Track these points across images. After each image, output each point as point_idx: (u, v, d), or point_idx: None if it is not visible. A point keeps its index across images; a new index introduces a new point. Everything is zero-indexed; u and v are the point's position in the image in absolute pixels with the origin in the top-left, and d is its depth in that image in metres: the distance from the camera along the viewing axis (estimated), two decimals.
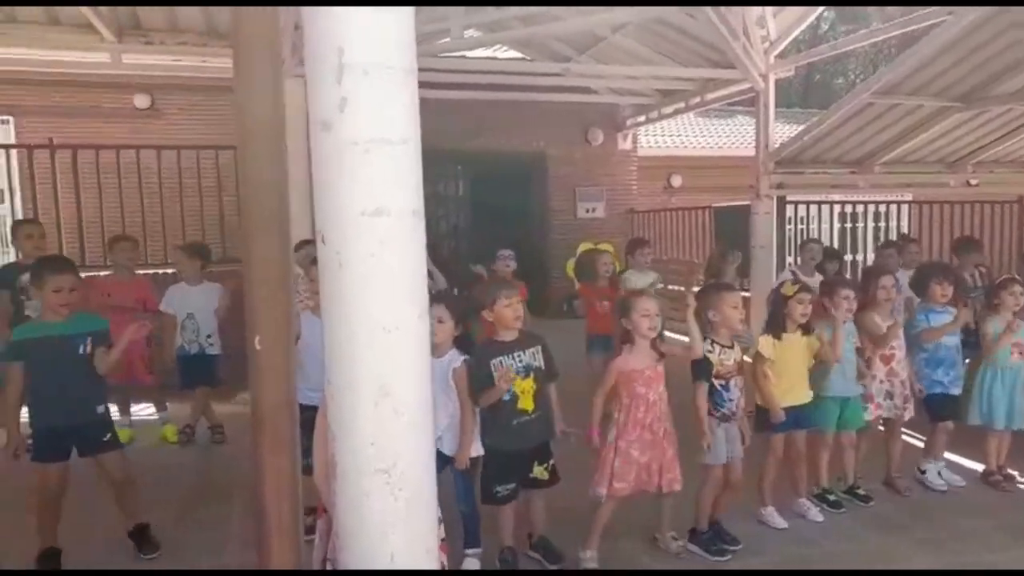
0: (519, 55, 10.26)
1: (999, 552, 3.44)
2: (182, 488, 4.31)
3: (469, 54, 9.57)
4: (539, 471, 3.21)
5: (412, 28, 1.78)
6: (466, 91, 8.86)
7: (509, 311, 3.17)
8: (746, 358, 3.75)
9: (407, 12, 1.75)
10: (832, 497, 3.95)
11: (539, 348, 3.24)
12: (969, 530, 3.67)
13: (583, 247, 8.22)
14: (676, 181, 13.82)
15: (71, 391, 3.27)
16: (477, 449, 3.17)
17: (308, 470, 1.97)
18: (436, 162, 11.16)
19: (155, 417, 5.38)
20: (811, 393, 3.77)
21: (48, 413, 3.25)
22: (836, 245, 9.25)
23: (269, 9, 1.60)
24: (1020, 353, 4.18)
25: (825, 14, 24.04)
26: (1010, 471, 4.29)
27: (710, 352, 3.41)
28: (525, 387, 3.13)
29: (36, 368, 3.25)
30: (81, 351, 3.28)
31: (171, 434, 5.19)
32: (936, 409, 4.20)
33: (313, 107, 1.74)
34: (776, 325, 3.74)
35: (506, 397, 3.09)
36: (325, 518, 2.09)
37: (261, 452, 1.63)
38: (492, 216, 10.89)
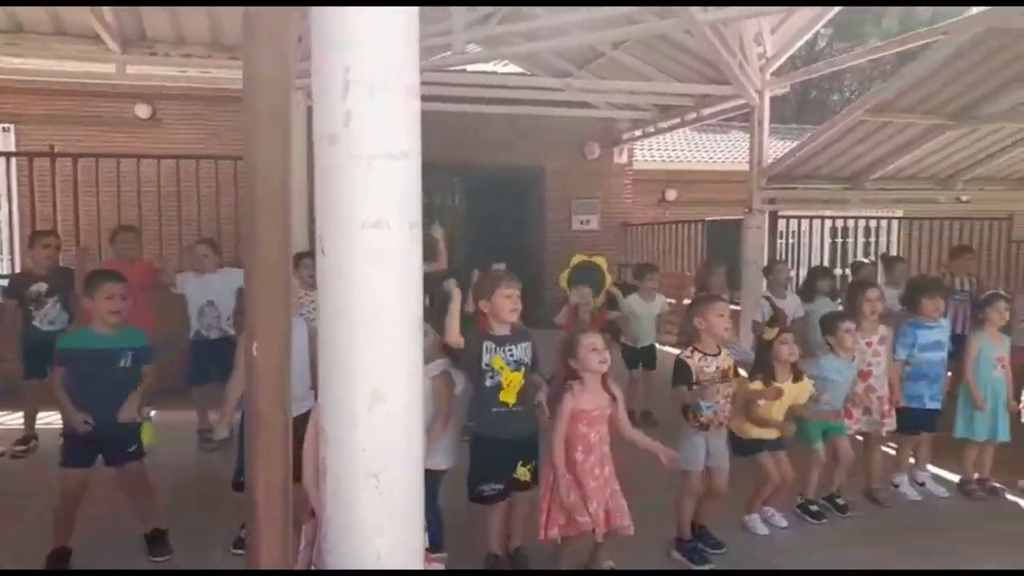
0: (520, 70, 10.37)
1: (980, 562, 3.48)
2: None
3: (470, 68, 9.67)
4: (522, 471, 3.19)
5: (416, 49, 1.84)
6: (466, 104, 8.95)
7: (508, 303, 3.13)
8: (741, 372, 3.80)
9: (413, 34, 1.82)
10: (814, 508, 4.00)
11: (529, 344, 3.24)
12: (948, 542, 3.72)
13: (576, 259, 8.26)
14: (671, 195, 13.94)
15: (106, 402, 3.35)
16: (445, 462, 3.17)
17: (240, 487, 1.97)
18: (433, 173, 11.20)
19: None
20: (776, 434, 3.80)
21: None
22: (827, 259, 9.36)
23: (281, 9, 1.66)
24: (1002, 366, 4.25)
25: (823, 31, 24.30)
26: (993, 483, 4.35)
27: (688, 358, 3.45)
28: (513, 380, 3.14)
29: (77, 376, 3.34)
30: (122, 363, 3.39)
31: (148, 435, 5.09)
32: (910, 422, 4.27)
33: (319, 121, 1.79)
34: (765, 371, 3.73)
35: (489, 383, 3.11)
36: (311, 524, 2.13)
37: (255, 456, 1.68)
38: (488, 227, 10.97)
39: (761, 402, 3.64)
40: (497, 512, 3.23)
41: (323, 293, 1.83)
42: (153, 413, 5.30)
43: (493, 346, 3.14)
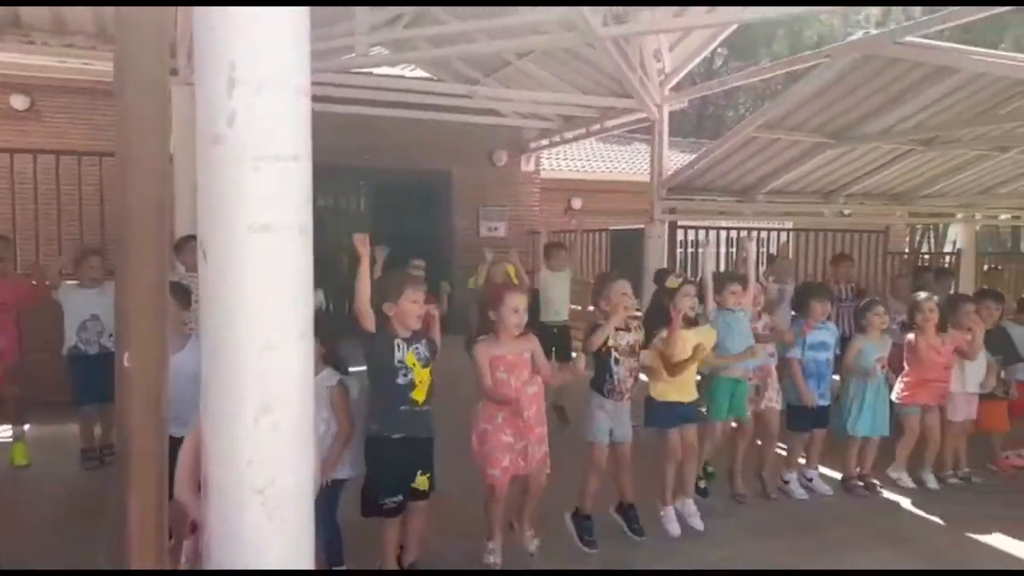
0: (427, 75, 10.32)
1: (867, 556, 3.69)
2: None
3: (376, 71, 9.54)
4: (421, 480, 3.12)
5: (307, 48, 1.79)
6: (371, 107, 8.83)
7: (415, 308, 3.08)
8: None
9: (303, 32, 1.77)
10: (702, 484, 4.22)
11: (425, 340, 3.18)
12: (836, 537, 3.94)
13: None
14: (577, 203, 14.20)
15: None
16: (347, 472, 3.11)
17: None
18: (338, 177, 11.09)
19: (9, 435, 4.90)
20: (696, 393, 3.95)
21: None
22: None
23: (157, 9, 1.57)
24: (883, 367, 4.56)
25: (719, 51, 25.44)
26: (872, 480, 4.64)
27: (602, 323, 3.58)
28: (423, 377, 3.09)
29: None
30: None
31: (20, 456, 4.78)
32: (801, 420, 4.52)
33: (201, 119, 1.72)
34: (663, 319, 3.83)
35: (402, 380, 3.03)
36: (192, 541, 2.03)
37: (127, 476, 1.58)
38: (394, 233, 10.84)
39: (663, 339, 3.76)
40: (394, 526, 3.14)
41: (206, 300, 1.75)
42: (27, 427, 4.95)
43: (404, 344, 3.08)
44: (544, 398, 3.41)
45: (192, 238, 4.03)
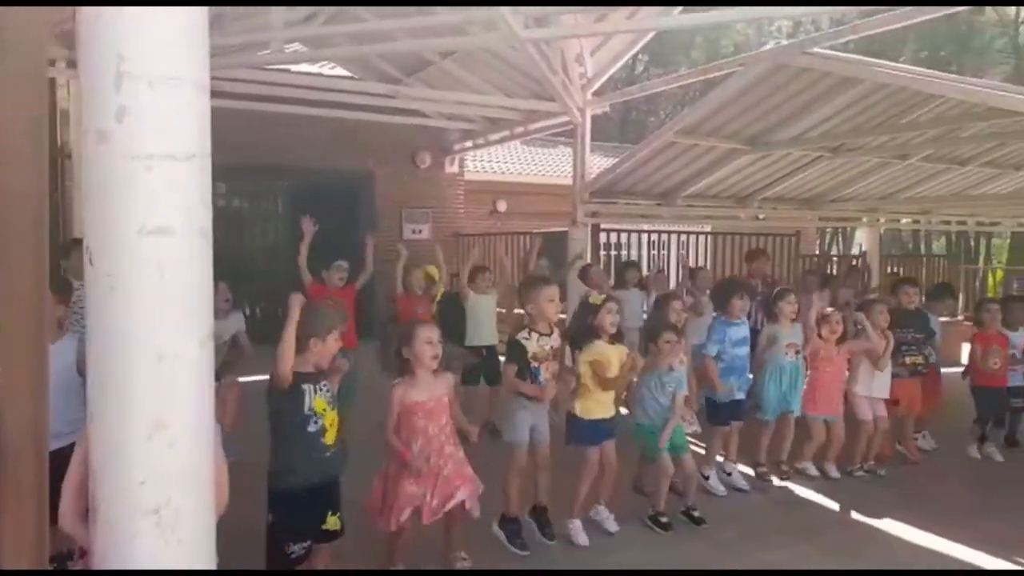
0: (348, 73, 10.11)
1: (780, 550, 3.80)
2: None
3: (295, 68, 9.27)
4: (332, 521, 2.92)
5: (206, 41, 1.69)
6: (290, 106, 8.57)
7: (335, 347, 2.94)
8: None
9: (201, 24, 1.66)
10: (664, 519, 4.02)
11: (328, 376, 2.99)
12: (752, 531, 4.05)
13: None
14: (502, 206, 14.21)
15: None
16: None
17: None
18: (254, 177, 10.74)
19: None
20: (613, 409, 3.94)
21: None
22: (645, 269, 9.99)
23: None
24: (795, 352, 4.74)
25: (641, 57, 26.02)
26: (784, 469, 4.81)
27: (527, 339, 3.59)
28: (333, 419, 2.93)
29: None
30: None
31: None
32: (720, 414, 4.64)
33: (86, 115, 1.59)
34: (588, 335, 3.84)
35: (313, 428, 2.85)
36: (79, 564, 1.89)
37: (2, 504, 1.44)
38: (315, 234, 10.55)
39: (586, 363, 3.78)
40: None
41: (93, 309, 1.62)
42: None
43: (312, 387, 2.86)
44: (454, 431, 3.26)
45: (79, 242, 3.77)
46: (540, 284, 3.73)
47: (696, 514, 4.11)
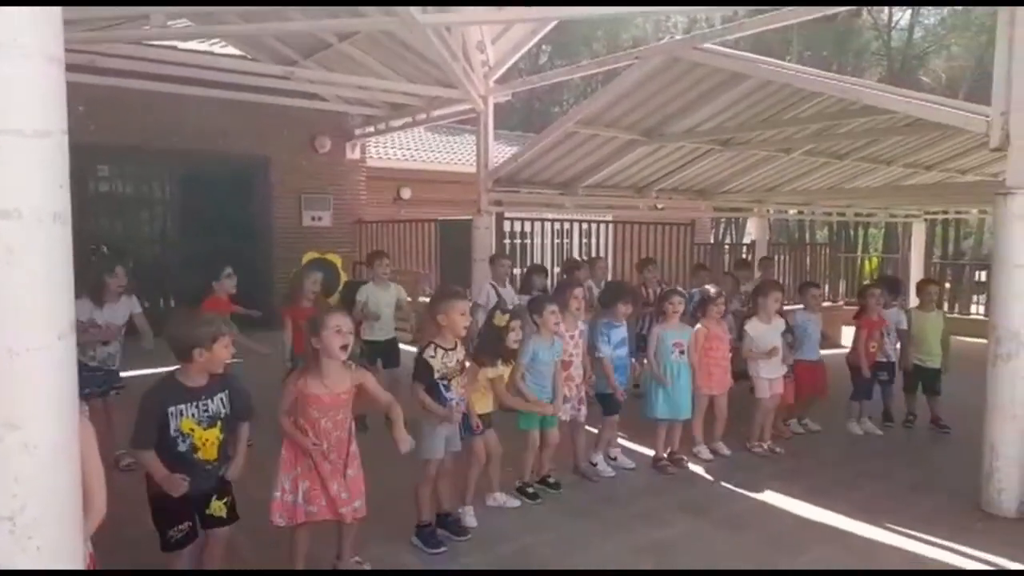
0: (240, 53, 9.68)
1: (672, 527, 3.96)
2: None
3: (182, 46, 8.80)
4: (216, 506, 2.85)
5: (57, 10, 1.56)
6: (177, 85, 8.14)
7: (225, 353, 2.81)
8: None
9: None
10: (531, 490, 4.29)
11: (226, 392, 2.89)
12: (647, 510, 4.19)
13: (307, 256, 7.95)
14: (406, 193, 14.03)
15: None
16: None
17: None
18: (139, 161, 10.14)
19: None
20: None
21: None
22: (552, 257, 10.12)
23: None
24: (680, 352, 4.89)
25: (544, 47, 26.26)
26: (679, 456, 4.99)
27: (432, 357, 3.53)
28: (209, 437, 2.79)
29: None
30: None
31: None
32: (612, 406, 4.78)
33: None
34: (494, 354, 3.95)
35: (182, 448, 2.73)
36: None
37: None
38: (207, 222, 10.09)
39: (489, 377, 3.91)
40: (182, 559, 2.83)
41: None
42: None
43: (181, 408, 2.74)
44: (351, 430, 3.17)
45: None
46: (453, 297, 3.69)
47: (551, 480, 4.43)
